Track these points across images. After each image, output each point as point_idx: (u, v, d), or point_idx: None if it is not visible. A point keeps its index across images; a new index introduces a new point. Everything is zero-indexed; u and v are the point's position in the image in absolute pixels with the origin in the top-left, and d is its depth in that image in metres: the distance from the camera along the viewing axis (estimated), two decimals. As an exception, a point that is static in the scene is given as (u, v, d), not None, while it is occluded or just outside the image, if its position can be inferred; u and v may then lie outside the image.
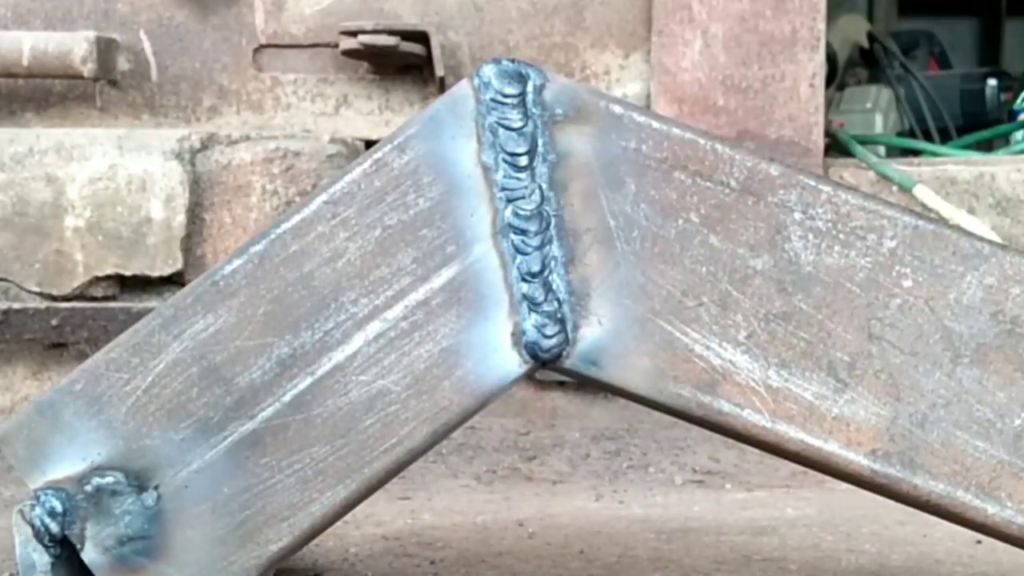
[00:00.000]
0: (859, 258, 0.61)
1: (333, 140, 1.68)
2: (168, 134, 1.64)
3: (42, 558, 0.59)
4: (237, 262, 0.61)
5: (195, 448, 0.60)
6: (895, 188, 1.64)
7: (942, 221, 0.65)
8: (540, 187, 0.60)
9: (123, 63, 1.74)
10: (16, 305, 1.54)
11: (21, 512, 0.59)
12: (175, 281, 1.62)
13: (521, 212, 0.60)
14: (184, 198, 1.60)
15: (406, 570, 0.90)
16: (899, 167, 1.68)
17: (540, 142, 0.60)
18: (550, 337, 0.60)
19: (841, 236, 0.61)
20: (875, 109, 2.03)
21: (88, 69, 1.66)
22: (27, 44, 1.65)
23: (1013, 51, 3.01)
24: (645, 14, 1.70)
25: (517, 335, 0.60)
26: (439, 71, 1.68)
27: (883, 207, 0.61)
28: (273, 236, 0.61)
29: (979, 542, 0.94)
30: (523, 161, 0.60)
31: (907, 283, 0.61)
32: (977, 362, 0.61)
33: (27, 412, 0.60)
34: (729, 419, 0.61)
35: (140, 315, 0.63)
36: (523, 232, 0.60)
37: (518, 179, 0.60)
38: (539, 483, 1.31)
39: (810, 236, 0.61)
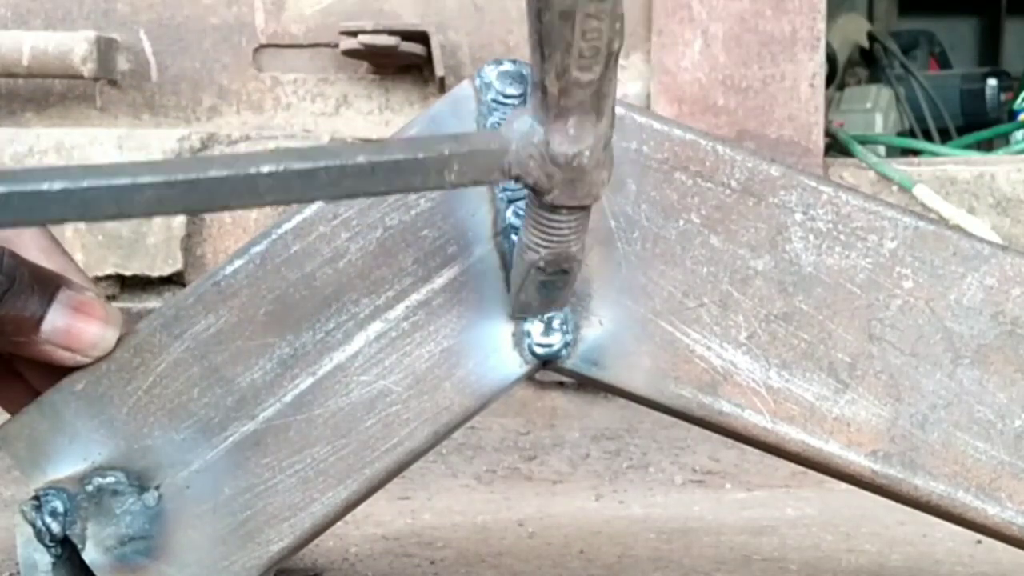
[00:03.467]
0: (860, 259, 0.61)
1: (333, 140, 1.68)
2: (168, 134, 1.64)
3: (43, 558, 0.59)
4: (238, 262, 0.61)
5: (196, 448, 0.60)
6: (895, 188, 1.64)
7: (942, 221, 0.65)
8: (541, 188, 0.60)
9: (123, 63, 1.74)
10: (16, 305, 1.54)
11: (23, 512, 0.59)
12: (175, 281, 1.62)
13: (522, 213, 0.60)
14: (184, 198, 1.60)
15: (406, 570, 0.90)
16: (899, 167, 1.68)
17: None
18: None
19: (842, 237, 0.61)
20: (875, 109, 2.03)
21: (88, 69, 1.66)
22: (27, 44, 1.65)
23: (1013, 51, 3.01)
24: (645, 14, 1.70)
25: (518, 335, 0.60)
26: (439, 71, 1.68)
27: (884, 208, 0.61)
28: (274, 236, 0.61)
29: (979, 542, 0.95)
30: (524, 162, 0.60)
31: (908, 284, 0.61)
32: (978, 363, 0.61)
33: (28, 411, 0.60)
34: (730, 420, 0.61)
35: (140, 315, 0.63)
36: (524, 233, 0.60)
37: (519, 180, 0.60)
38: (539, 483, 1.31)
39: (811, 237, 0.61)
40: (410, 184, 0.48)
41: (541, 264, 0.54)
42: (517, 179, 0.49)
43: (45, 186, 0.43)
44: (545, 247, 0.53)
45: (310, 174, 0.46)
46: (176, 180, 0.45)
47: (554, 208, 0.51)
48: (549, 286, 0.56)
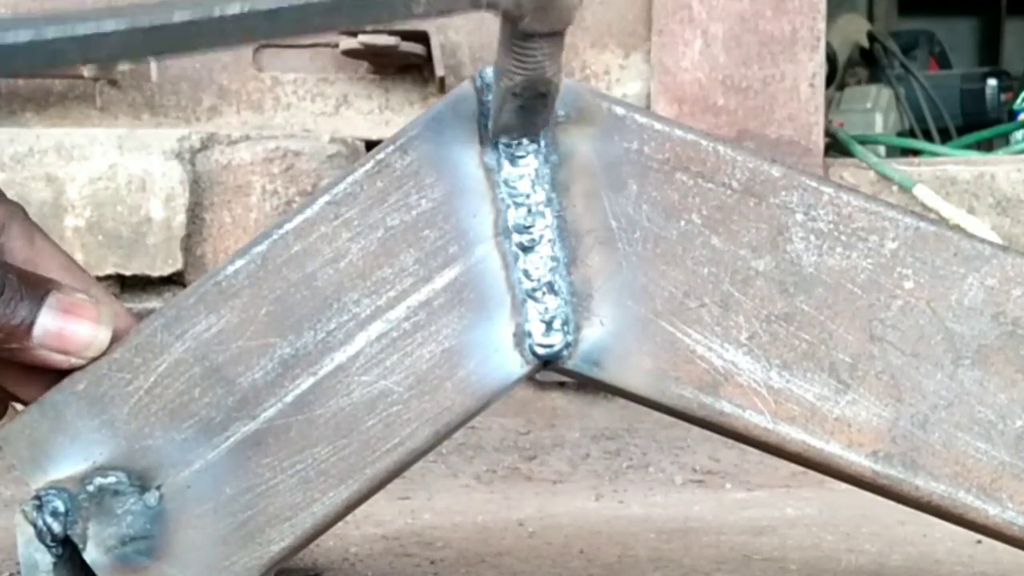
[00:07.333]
0: (861, 259, 0.61)
1: (333, 140, 1.68)
2: (168, 134, 1.64)
3: (44, 558, 0.59)
4: (239, 262, 0.61)
5: (197, 448, 0.60)
6: (895, 188, 1.64)
7: (943, 222, 0.65)
8: (543, 188, 0.60)
9: (123, 63, 1.74)
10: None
11: (24, 512, 0.59)
12: (175, 281, 1.62)
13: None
14: (184, 198, 1.60)
15: (406, 570, 0.90)
16: (899, 167, 1.68)
17: (542, 143, 0.60)
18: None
19: (843, 237, 0.61)
20: (875, 109, 2.03)
21: (88, 69, 1.66)
22: (27, 43, 1.65)
23: (1013, 51, 3.02)
24: (645, 14, 1.70)
25: (519, 336, 0.60)
26: (439, 71, 1.68)
27: (885, 208, 0.62)
28: (276, 236, 0.61)
29: (979, 542, 0.95)
30: (525, 162, 0.60)
31: (908, 284, 0.61)
32: (978, 364, 0.61)
33: (29, 411, 0.60)
34: (731, 420, 0.61)
35: (140, 315, 0.63)
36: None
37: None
38: (539, 483, 1.31)
39: (812, 237, 0.61)
40: (377, 17, 0.48)
41: (517, 90, 0.54)
42: (489, 7, 0.49)
43: (11, 38, 0.43)
44: (520, 73, 0.53)
45: (274, 14, 0.46)
46: (140, 26, 0.45)
47: (527, 35, 0.51)
48: (527, 110, 0.56)
